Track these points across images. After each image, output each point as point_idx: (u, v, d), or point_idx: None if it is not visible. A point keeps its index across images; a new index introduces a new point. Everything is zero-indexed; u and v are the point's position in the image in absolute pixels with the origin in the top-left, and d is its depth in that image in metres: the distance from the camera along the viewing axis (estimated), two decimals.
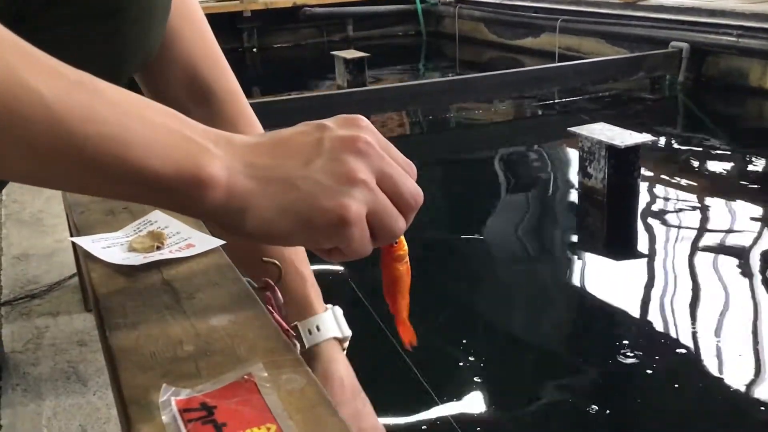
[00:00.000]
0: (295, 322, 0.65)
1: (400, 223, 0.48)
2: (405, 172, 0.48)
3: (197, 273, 0.66)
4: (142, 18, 0.57)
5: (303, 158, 0.46)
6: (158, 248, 0.70)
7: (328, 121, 0.48)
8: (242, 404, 0.47)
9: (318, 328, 0.65)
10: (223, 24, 7.51)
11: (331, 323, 0.70)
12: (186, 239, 0.72)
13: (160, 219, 0.76)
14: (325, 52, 6.53)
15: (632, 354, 2.19)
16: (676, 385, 2.07)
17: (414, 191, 0.48)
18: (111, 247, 0.71)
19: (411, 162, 0.50)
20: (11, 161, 0.41)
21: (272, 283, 0.66)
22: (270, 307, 0.65)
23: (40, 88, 0.39)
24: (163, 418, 0.46)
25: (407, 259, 0.52)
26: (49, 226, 1.68)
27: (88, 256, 0.70)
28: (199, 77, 0.71)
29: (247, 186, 0.45)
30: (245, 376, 0.50)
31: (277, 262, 0.67)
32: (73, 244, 1.10)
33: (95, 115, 0.41)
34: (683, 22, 5.23)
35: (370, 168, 0.46)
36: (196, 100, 0.72)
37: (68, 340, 0.98)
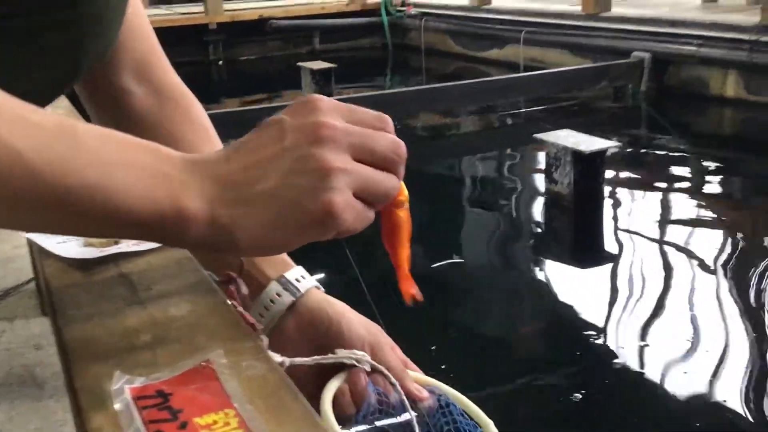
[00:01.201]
0: (282, 273, 0.63)
1: (390, 183, 0.47)
2: (379, 130, 0.47)
3: (155, 266, 0.64)
4: (100, 8, 0.56)
5: (273, 165, 0.45)
6: (116, 243, 0.68)
7: (284, 115, 0.47)
8: (200, 390, 0.46)
9: (303, 277, 0.64)
10: (188, 37, 7.47)
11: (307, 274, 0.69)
12: None
13: None
14: (291, 65, 6.53)
15: (598, 352, 2.22)
16: (639, 382, 2.10)
17: (393, 146, 0.47)
18: (67, 242, 0.69)
19: (382, 115, 0.49)
20: None
21: (234, 276, 0.65)
22: (234, 301, 0.63)
23: (17, 145, 0.39)
24: (116, 405, 0.44)
25: (407, 205, 0.51)
26: (6, 232, 1.64)
27: (43, 251, 0.68)
28: (147, 67, 0.70)
29: (229, 212, 0.44)
30: (203, 363, 0.48)
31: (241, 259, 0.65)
32: (30, 245, 1.07)
33: (76, 166, 0.41)
34: (645, 33, 5.32)
35: (340, 150, 0.45)
36: (148, 91, 0.71)
37: (24, 344, 0.95)
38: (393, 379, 0.57)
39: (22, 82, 0.55)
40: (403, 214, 0.50)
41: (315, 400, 0.54)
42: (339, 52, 7.98)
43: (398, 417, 0.55)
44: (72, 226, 0.45)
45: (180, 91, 0.73)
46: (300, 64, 6.13)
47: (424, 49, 7.81)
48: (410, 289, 0.53)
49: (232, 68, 7.90)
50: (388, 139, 0.47)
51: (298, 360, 0.56)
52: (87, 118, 0.83)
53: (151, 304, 0.57)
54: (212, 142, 0.72)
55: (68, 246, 0.68)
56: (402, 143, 0.48)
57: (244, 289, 0.64)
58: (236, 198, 0.45)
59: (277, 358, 0.52)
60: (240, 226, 0.44)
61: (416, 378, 0.58)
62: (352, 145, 0.46)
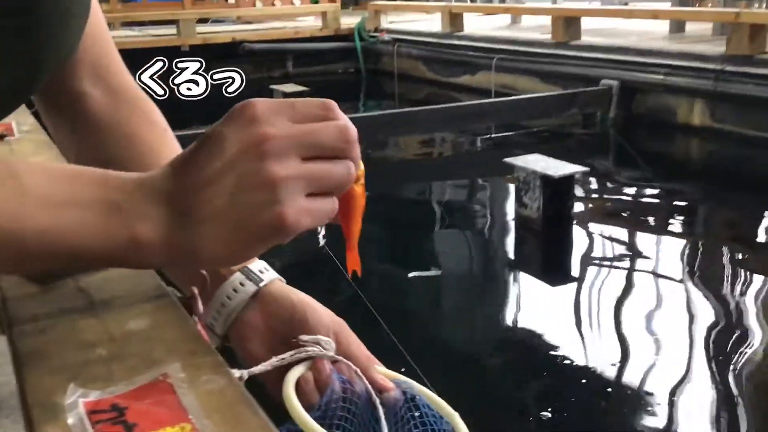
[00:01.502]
0: (244, 265, 0.63)
1: (343, 171, 0.46)
2: (322, 122, 0.46)
3: (114, 280, 0.63)
4: (60, 14, 0.55)
5: (220, 184, 0.44)
6: None
7: (223, 126, 0.46)
8: (156, 405, 0.45)
9: (267, 269, 0.63)
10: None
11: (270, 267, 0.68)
12: None
13: None
14: (264, 88, 6.53)
15: (565, 371, 2.23)
16: (606, 400, 2.11)
17: (339, 135, 0.46)
18: None
19: (326, 101, 0.47)
20: None
21: (195, 293, 0.64)
22: (196, 317, 0.62)
23: None
24: (69, 420, 0.43)
25: (363, 180, 0.50)
26: None
27: None
28: (103, 70, 0.70)
29: (184, 234, 0.45)
30: (160, 377, 0.47)
31: (203, 272, 0.64)
32: None
33: (26, 211, 0.42)
34: (613, 61, 5.42)
35: (283, 157, 0.44)
36: (105, 94, 0.70)
37: None
38: (357, 369, 0.56)
39: None
40: (358, 189, 0.50)
41: (279, 389, 0.53)
42: (312, 76, 8.01)
43: (362, 406, 0.54)
44: (28, 267, 0.47)
45: (135, 93, 0.73)
46: (272, 86, 6.14)
47: (396, 74, 7.87)
48: (354, 264, 0.54)
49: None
50: (334, 129, 0.46)
51: (257, 369, 0.54)
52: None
53: (108, 318, 0.56)
54: (170, 143, 0.71)
55: None
56: (349, 127, 0.46)
57: (200, 307, 0.63)
58: (189, 220, 0.45)
59: (236, 373, 0.51)
60: (197, 245, 0.45)
61: (381, 371, 0.58)
62: (296, 146, 0.45)
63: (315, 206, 0.45)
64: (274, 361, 0.55)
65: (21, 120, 1.43)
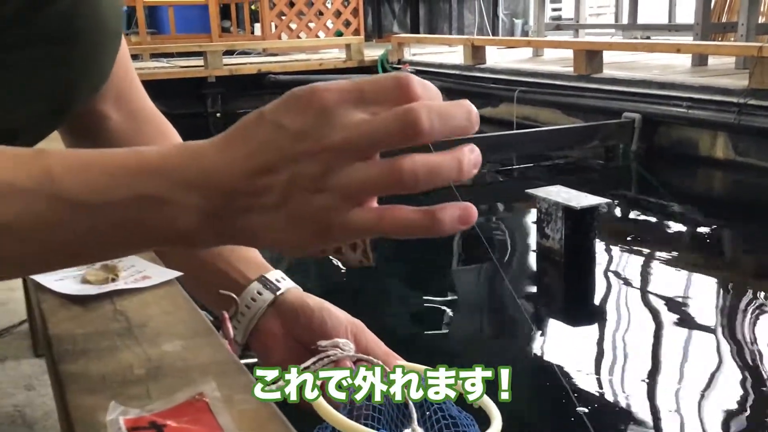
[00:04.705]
0: (261, 274, 0.64)
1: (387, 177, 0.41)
2: (397, 103, 0.40)
3: (150, 303, 0.65)
4: (96, 42, 0.57)
5: (273, 175, 0.40)
6: (113, 280, 0.69)
7: (280, 115, 0.41)
8: (192, 422, 0.47)
9: (283, 278, 0.65)
10: (187, 89, 7.58)
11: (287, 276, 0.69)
12: (141, 272, 0.71)
13: None
14: None
15: (587, 412, 2.20)
16: None
17: (401, 126, 0.40)
18: (64, 279, 0.70)
19: (399, 77, 0.42)
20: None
21: (226, 317, 0.66)
22: (227, 340, 0.64)
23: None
24: None
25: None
26: None
27: (40, 287, 0.69)
28: (124, 93, 0.72)
29: (230, 225, 0.42)
30: (196, 396, 0.49)
31: (233, 295, 0.66)
32: (25, 285, 1.07)
33: (63, 219, 0.42)
34: (635, 94, 5.42)
35: (344, 167, 0.40)
36: (127, 118, 0.73)
37: (15, 384, 0.94)
38: (380, 364, 0.56)
39: (16, 116, 0.56)
40: None
41: None
42: None
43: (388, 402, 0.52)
44: (69, 265, 0.47)
45: (155, 116, 0.75)
46: None
47: None
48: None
49: (230, 121, 7.95)
50: (394, 123, 0.39)
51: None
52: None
53: (145, 339, 0.58)
54: None
55: (65, 283, 0.69)
56: (418, 115, 0.39)
57: (230, 330, 0.65)
58: (234, 211, 0.41)
59: None
60: (247, 234, 0.42)
61: (404, 365, 0.55)
62: (358, 153, 0.40)
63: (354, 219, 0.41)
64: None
65: (57, 147, 1.47)
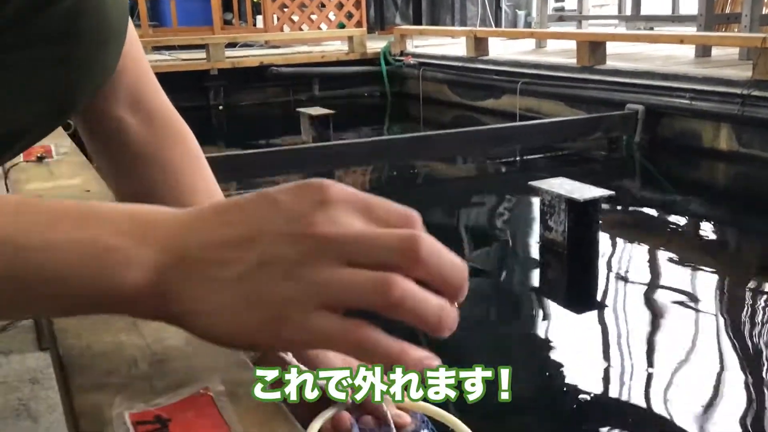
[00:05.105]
0: None
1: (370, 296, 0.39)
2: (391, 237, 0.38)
3: None
4: (97, 39, 0.56)
5: (246, 248, 0.38)
6: None
7: (282, 195, 0.39)
8: (198, 417, 0.47)
9: None
10: (189, 82, 7.57)
11: None
12: None
13: None
14: (290, 111, 6.61)
15: (590, 397, 2.21)
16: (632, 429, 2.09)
17: (401, 246, 0.38)
18: None
19: (406, 211, 0.41)
20: None
21: None
22: None
23: None
24: (117, 431, 0.46)
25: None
26: None
27: None
28: (139, 94, 0.72)
29: (177, 294, 0.40)
30: (201, 391, 0.49)
31: None
32: None
33: (27, 255, 0.40)
34: (638, 86, 5.41)
35: (325, 263, 0.38)
36: (142, 121, 0.72)
37: (20, 378, 0.95)
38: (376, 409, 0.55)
39: (17, 116, 0.56)
40: None
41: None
42: (338, 99, 8.08)
43: None
44: (30, 309, 0.46)
45: (170, 117, 0.74)
46: (299, 109, 6.21)
47: (422, 97, 7.93)
48: None
49: (232, 113, 7.99)
50: (395, 240, 0.38)
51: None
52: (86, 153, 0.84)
53: (149, 336, 0.59)
54: (202, 171, 0.73)
55: None
56: (421, 242, 0.38)
57: None
58: (190, 278, 0.40)
59: None
60: (186, 308, 0.41)
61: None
62: (347, 252, 0.38)
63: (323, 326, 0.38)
64: None
65: (59, 142, 1.48)
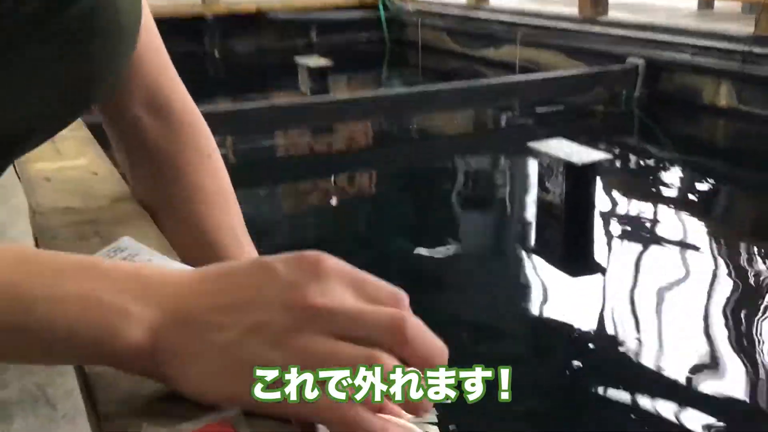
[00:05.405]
0: None
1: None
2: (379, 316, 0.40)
3: None
4: (112, 26, 0.55)
5: (239, 313, 0.40)
6: None
7: (280, 264, 0.41)
8: None
9: None
10: (184, 28, 7.44)
11: None
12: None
13: (130, 246, 0.76)
14: (287, 58, 6.53)
15: (586, 362, 2.26)
16: (627, 389, 2.13)
17: (389, 324, 0.40)
18: None
19: (396, 291, 0.41)
20: None
21: None
22: None
23: None
24: None
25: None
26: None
27: None
28: (157, 90, 0.71)
29: (168, 348, 0.41)
30: (223, 417, 0.52)
31: None
32: None
33: (34, 306, 0.40)
34: (640, 39, 5.35)
35: (314, 334, 0.39)
36: (157, 118, 0.72)
37: None
38: None
39: (29, 114, 0.57)
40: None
41: None
42: (336, 46, 7.98)
43: None
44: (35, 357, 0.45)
45: (186, 115, 0.73)
46: (297, 58, 6.12)
47: (420, 45, 7.83)
48: None
49: (228, 60, 7.89)
50: (385, 318, 0.39)
51: None
52: (105, 144, 0.84)
53: None
54: (214, 173, 0.73)
55: None
56: (407, 323, 0.40)
57: None
58: (191, 337, 0.41)
59: None
60: (174, 365, 0.42)
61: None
62: (335, 325, 0.39)
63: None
64: None
65: (76, 134, 1.47)
